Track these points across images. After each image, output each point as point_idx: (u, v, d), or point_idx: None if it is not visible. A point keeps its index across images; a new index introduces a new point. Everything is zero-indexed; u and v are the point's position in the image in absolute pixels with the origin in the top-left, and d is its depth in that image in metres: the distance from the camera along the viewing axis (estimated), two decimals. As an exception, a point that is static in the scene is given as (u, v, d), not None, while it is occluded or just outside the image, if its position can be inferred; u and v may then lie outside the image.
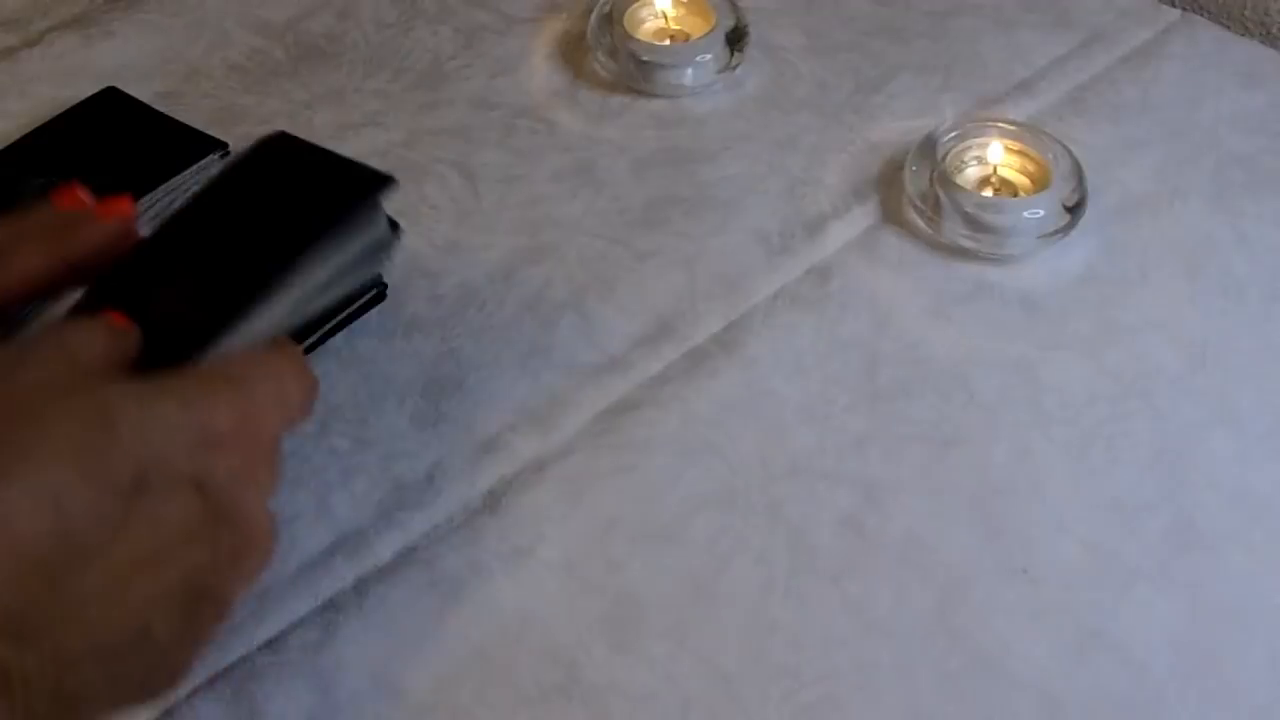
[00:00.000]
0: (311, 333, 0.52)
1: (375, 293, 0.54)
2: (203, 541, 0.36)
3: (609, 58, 0.65)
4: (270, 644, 0.45)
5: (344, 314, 0.53)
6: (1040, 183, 0.57)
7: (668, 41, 0.66)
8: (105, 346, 0.37)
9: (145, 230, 0.43)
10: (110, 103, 0.62)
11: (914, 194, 0.58)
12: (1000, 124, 0.59)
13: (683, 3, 0.66)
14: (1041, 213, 0.56)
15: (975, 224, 0.56)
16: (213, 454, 0.36)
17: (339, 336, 0.54)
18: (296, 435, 0.50)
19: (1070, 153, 0.57)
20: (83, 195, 0.44)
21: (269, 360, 0.40)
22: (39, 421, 0.34)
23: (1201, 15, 0.70)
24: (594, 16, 0.66)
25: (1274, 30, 0.74)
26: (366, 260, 0.42)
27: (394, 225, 0.44)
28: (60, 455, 0.33)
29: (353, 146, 0.62)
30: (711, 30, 0.64)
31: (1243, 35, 0.69)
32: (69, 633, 0.33)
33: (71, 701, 0.34)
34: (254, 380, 0.39)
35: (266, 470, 0.39)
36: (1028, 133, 0.58)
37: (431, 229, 0.58)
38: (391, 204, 0.59)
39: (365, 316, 0.54)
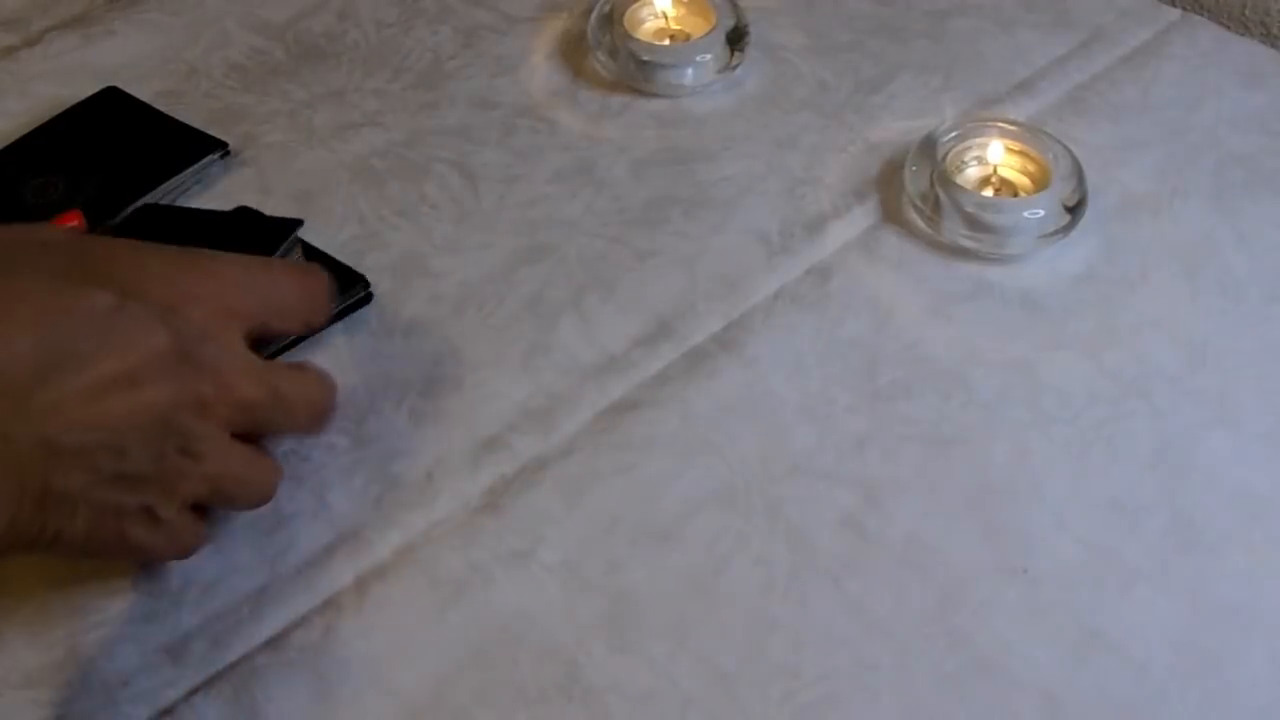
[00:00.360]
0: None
1: (361, 295, 0.54)
2: (171, 376, 0.39)
3: (609, 57, 0.65)
4: (270, 644, 0.45)
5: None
6: (1040, 182, 0.57)
7: (668, 41, 0.66)
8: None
9: None
10: (110, 102, 0.62)
11: (914, 194, 0.58)
12: (1000, 124, 0.59)
13: (683, 2, 0.66)
14: (1041, 212, 0.56)
15: (975, 224, 0.56)
16: (182, 300, 0.41)
17: (339, 336, 0.54)
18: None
19: (1070, 152, 0.57)
20: (79, 224, 0.54)
21: (263, 260, 0.46)
22: (27, 250, 0.40)
23: (1202, 15, 0.70)
24: (594, 16, 0.66)
25: (1274, 30, 0.74)
26: None
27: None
28: (44, 274, 0.38)
29: (353, 146, 0.62)
30: (712, 30, 0.64)
31: (1243, 35, 0.69)
32: (52, 421, 0.37)
33: (61, 506, 0.38)
34: (237, 261, 0.44)
35: (238, 342, 0.43)
36: (1028, 132, 0.58)
37: (431, 229, 0.58)
38: (392, 204, 0.59)
39: (366, 316, 0.54)
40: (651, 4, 0.66)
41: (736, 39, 0.65)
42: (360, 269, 0.56)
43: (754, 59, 0.66)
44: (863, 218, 0.59)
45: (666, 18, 0.66)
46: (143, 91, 0.63)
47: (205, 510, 0.45)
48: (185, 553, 0.44)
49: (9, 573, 0.47)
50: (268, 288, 0.45)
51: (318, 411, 0.46)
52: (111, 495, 0.40)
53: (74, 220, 0.48)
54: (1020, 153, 0.58)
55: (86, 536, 0.40)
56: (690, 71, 0.64)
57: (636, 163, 0.61)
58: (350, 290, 0.54)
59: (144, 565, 0.47)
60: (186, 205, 0.59)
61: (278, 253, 0.51)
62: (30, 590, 0.46)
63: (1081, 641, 0.44)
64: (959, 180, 0.57)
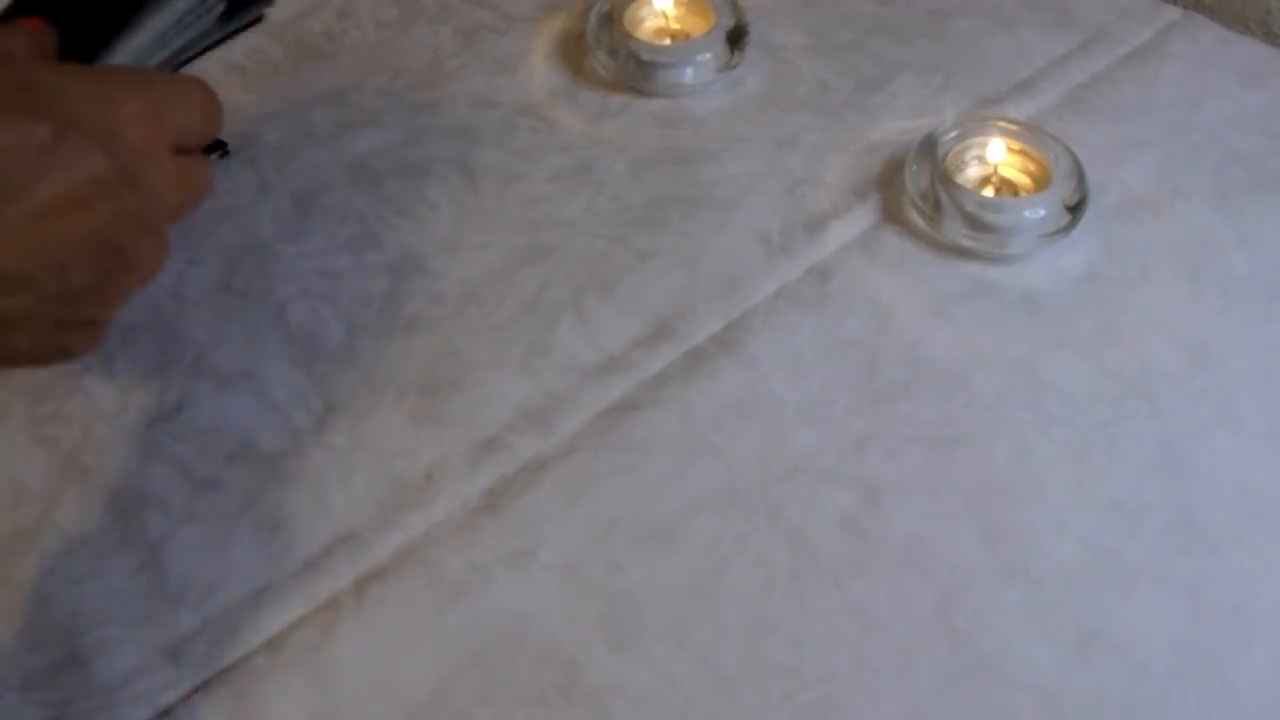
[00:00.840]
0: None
1: (255, 19, 0.53)
2: (111, 199, 0.41)
3: (609, 57, 0.65)
4: (270, 644, 0.45)
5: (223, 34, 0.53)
6: (1041, 182, 0.57)
7: (668, 41, 0.66)
8: (26, 45, 0.44)
9: None
10: None
11: (915, 193, 0.57)
12: (1001, 123, 0.59)
13: (683, 2, 0.66)
14: (1042, 212, 0.56)
15: (976, 223, 0.56)
16: (120, 124, 0.42)
17: (338, 335, 0.54)
18: (292, 428, 0.50)
19: (1071, 152, 0.57)
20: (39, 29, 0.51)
21: (173, 75, 0.49)
22: None
23: (1203, 14, 0.70)
24: (594, 16, 0.66)
25: (1275, 29, 0.74)
26: (201, 10, 0.51)
27: None
28: None
29: (352, 146, 0.62)
30: (711, 29, 0.64)
31: (1244, 34, 0.69)
32: None
33: (5, 327, 0.40)
34: (157, 79, 0.47)
35: (168, 157, 0.45)
36: (1029, 132, 0.58)
37: (431, 229, 0.58)
38: (392, 203, 0.59)
39: (365, 315, 0.54)
40: (651, 3, 0.66)
41: (736, 38, 0.65)
42: (360, 268, 0.56)
43: (754, 58, 0.66)
44: (863, 217, 0.59)
45: (666, 17, 0.66)
46: (142, 91, 0.63)
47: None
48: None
49: (8, 574, 0.47)
50: (186, 103, 0.47)
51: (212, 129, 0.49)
52: (54, 311, 0.41)
53: (35, 26, 0.48)
54: (1021, 152, 0.58)
55: (31, 352, 0.42)
56: (690, 71, 0.64)
57: (636, 162, 0.61)
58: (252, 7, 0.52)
59: (143, 563, 0.47)
60: None
61: None
62: (30, 591, 0.46)
63: (1082, 642, 0.44)
64: (959, 180, 0.57)
